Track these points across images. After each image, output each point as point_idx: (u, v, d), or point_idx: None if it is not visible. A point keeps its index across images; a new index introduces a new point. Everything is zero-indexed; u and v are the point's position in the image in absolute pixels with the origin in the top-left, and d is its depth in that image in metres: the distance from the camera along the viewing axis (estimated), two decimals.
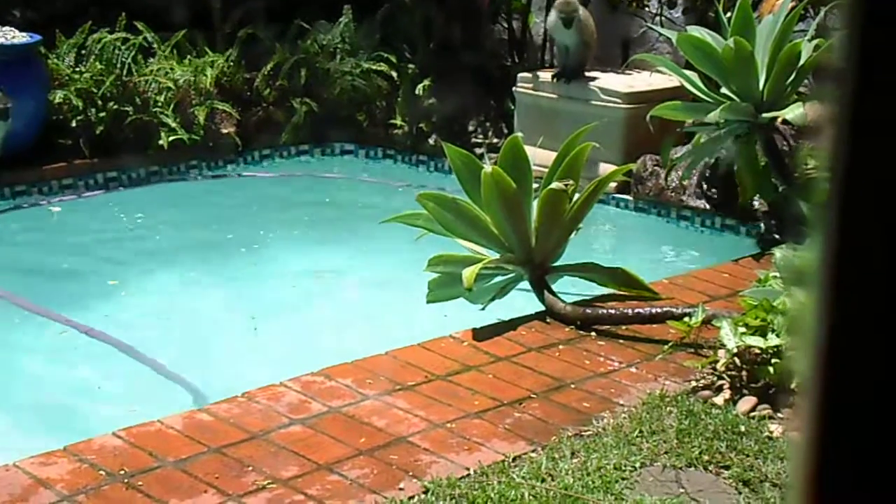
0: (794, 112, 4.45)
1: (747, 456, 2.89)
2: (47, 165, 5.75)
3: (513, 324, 3.75)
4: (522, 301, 3.90)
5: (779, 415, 3.13)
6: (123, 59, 6.00)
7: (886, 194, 0.34)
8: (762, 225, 5.05)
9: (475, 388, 3.29)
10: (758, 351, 3.20)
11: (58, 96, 5.78)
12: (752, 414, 3.12)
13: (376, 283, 4.73)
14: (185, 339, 4.11)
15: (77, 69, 5.95)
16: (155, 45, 6.25)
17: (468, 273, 3.60)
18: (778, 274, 3.49)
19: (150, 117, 5.96)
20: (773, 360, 3.17)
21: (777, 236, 4.80)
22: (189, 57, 6.32)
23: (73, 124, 5.81)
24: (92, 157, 5.84)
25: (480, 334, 3.65)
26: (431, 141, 6.32)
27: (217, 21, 6.57)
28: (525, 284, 3.94)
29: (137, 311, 4.41)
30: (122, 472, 2.77)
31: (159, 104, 6.01)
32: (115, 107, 5.87)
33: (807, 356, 0.35)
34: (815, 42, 4.56)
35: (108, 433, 2.95)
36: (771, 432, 3.02)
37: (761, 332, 3.21)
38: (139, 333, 4.10)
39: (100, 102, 5.85)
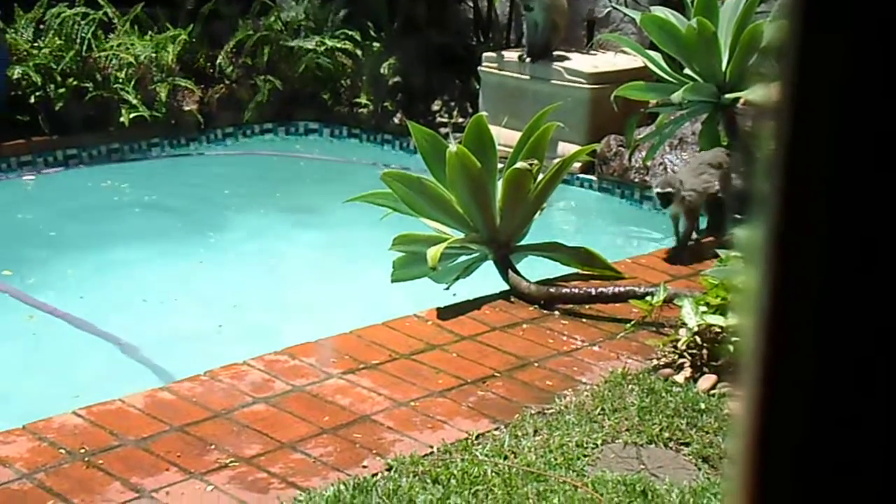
0: (756, 93, 4.49)
1: (707, 433, 2.93)
2: (5, 142, 5.66)
3: (477, 303, 3.76)
4: (487, 280, 3.91)
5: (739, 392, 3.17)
6: (83, 35, 5.91)
7: (826, 171, 0.34)
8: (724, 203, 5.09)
9: (439, 367, 3.30)
10: (718, 329, 3.24)
11: (16, 72, 5.68)
12: (713, 391, 3.16)
13: (340, 262, 4.72)
14: (147, 318, 4.08)
15: (36, 44, 5.85)
16: (116, 20, 6.16)
17: (433, 252, 3.60)
18: (739, 253, 3.53)
19: (110, 94, 5.88)
20: (733, 339, 3.21)
21: (738, 215, 4.84)
22: (150, 33, 6.24)
23: (32, 100, 5.72)
24: (51, 134, 5.76)
25: (445, 313, 3.66)
26: (396, 120, 6.30)
27: None
28: (489, 264, 3.95)
29: (99, 289, 4.37)
30: (83, 451, 2.75)
31: (120, 80, 5.93)
32: (75, 83, 5.79)
33: (749, 331, 0.36)
34: (777, 23, 4.59)
35: (69, 412, 2.93)
36: (730, 409, 3.06)
37: (722, 310, 3.25)
38: (100, 311, 4.06)
39: (59, 78, 5.76)
